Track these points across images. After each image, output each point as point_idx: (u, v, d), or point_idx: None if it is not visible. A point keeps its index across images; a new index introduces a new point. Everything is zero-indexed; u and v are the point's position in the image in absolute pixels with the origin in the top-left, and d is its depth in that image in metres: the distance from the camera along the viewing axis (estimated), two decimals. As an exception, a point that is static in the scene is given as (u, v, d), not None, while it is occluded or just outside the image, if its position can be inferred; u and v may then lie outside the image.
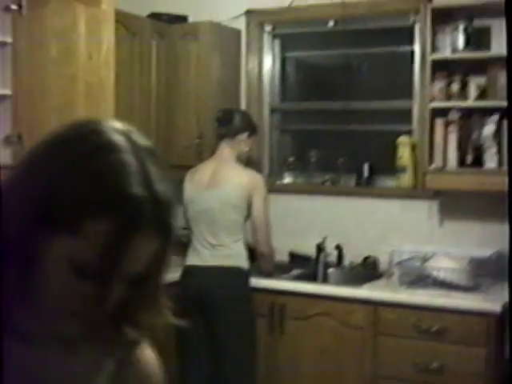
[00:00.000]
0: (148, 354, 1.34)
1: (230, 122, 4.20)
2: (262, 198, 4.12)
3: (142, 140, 1.17)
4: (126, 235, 1.09)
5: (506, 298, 3.68)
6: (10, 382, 1.14)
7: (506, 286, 3.75)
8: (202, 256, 4.11)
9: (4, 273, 1.10)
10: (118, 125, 1.18)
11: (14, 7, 3.84)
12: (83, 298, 1.12)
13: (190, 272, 4.13)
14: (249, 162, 4.35)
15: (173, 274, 4.22)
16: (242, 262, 4.09)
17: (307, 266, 4.66)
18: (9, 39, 3.88)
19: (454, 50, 4.15)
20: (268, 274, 4.31)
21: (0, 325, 1.12)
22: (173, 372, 4.32)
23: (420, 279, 4.08)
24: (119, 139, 1.14)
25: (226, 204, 4.06)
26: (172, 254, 1.18)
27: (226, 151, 4.20)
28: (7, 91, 3.87)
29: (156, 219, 1.11)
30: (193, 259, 4.14)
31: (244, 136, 4.21)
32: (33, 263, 1.10)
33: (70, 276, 1.10)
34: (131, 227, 1.09)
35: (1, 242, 1.10)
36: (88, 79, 3.91)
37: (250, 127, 4.27)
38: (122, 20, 4.29)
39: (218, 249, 4.07)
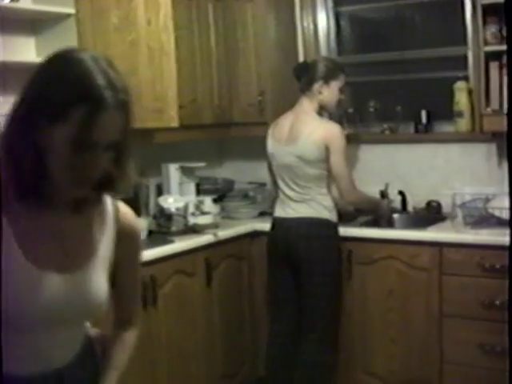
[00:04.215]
0: (126, 210, 1.98)
1: (303, 75, 4.21)
2: (339, 149, 4.09)
3: (101, 55, 1.71)
4: (97, 113, 1.60)
5: None
6: (37, 240, 1.73)
7: None
8: (286, 208, 4.19)
9: (25, 158, 1.63)
10: (83, 50, 1.78)
11: (75, -20, 4.00)
12: (82, 166, 1.63)
13: (276, 224, 4.24)
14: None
15: (264, 225, 4.41)
16: (326, 213, 4.12)
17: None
18: (72, 10, 4.02)
19: (505, -7, 4.17)
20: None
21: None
22: (263, 319, 4.50)
23: (483, 220, 4.15)
24: (84, 55, 1.68)
25: (302, 160, 4.09)
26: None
27: (305, 103, 4.19)
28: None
29: (116, 100, 1.63)
30: (279, 211, 4.24)
31: (318, 85, 4.17)
32: (42, 149, 1.62)
33: (69, 152, 1.61)
34: (100, 106, 1.60)
35: (15, 138, 1.64)
36: (149, 44, 4.03)
37: (325, 74, 4.19)
38: (179, -14, 4.41)
39: (301, 201, 4.13)
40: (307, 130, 4.10)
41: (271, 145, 4.27)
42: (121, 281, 1.99)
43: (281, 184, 4.24)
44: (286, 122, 4.23)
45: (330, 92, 4.21)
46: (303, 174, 4.11)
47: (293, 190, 4.15)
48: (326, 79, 4.19)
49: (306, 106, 4.19)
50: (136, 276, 2.09)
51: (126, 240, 1.94)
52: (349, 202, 4.26)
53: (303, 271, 4.11)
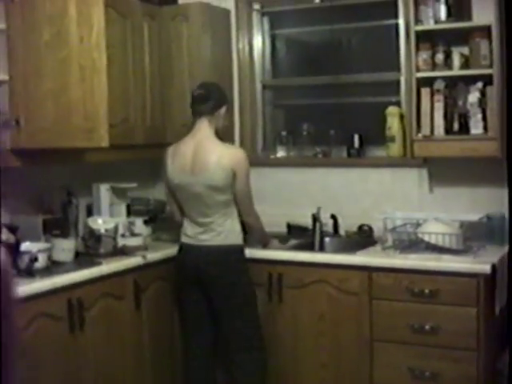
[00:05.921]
0: None
1: (208, 99, 4.10)
2: (244, 172, 4.05)
3: None
4: None
5: (495, 259, 3.80)
6: None
7: (494, 247, 3.90)
8: (193, 235, 4.12)
9: None
10: None
11: (6, -5, 3.93)
12: None
13: (184, 249, 4.18)
14: (223, 133, 4.31)
15: (172, 250, 4.33)
16: (234, 238, 4.08)
17: (304, 236, 4.74)
18: (3, 26, 3.94)
19: (437, 21, 4.21)
20: (263, 245, 4.40)
21: None
22: (177, 344, 4.44)
23: (413, 244, 4.17)
24: None
25: (212, 188, 4.00)
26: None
27: (206, 127, 4.09)
28: (4, 76, 3.93)
29: None
30: (186, 237, 4.17)
31: (223, 110, 4.15)
32: None
33: None
34: None
35: None
36: (81, 62, 3.94)
37: (226, 99, 4.24)
38: (113, 4, 4.33)
39: (208, 228, 4.06)
40: (214, 157, 4.01)
41: (173, 173, 4.15)
42: None
43: (189, 211, 4.15)
44: (186, 149, 4.11)
45: (225, 118, 4.22)
46: (212, 202, 4.04)
47: (201, 217, 4.08)
48: (227, 105, 4.23)
49: (208, 131, 4.10)
50: None
51: None
52: (246, 223, 4.20)
53: (217, 297, 4.08)
